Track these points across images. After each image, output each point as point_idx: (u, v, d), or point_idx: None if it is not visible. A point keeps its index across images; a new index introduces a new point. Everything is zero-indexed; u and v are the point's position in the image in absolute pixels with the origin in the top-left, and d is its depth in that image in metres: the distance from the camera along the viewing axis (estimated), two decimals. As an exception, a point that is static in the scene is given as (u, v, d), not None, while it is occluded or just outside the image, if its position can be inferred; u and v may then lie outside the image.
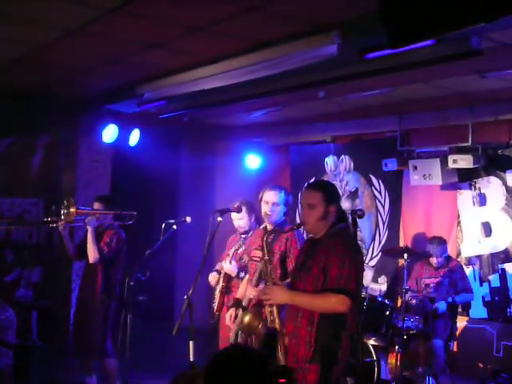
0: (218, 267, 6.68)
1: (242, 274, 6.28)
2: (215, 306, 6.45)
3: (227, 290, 6.43)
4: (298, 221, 9.93)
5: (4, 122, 9.39)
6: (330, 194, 4.62)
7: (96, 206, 7.23)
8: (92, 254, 6.99)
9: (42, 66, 7.21)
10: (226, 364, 2.74)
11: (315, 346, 4.38)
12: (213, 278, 6.70)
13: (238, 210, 6.30)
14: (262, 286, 5.12)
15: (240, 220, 6.61)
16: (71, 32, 5.87)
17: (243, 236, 6.64)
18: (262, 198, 5.99)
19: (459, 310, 7.78)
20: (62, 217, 7.03)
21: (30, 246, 10.32)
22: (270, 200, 5.91)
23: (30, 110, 8.92)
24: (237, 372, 2.70)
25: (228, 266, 6.40)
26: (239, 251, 6.54)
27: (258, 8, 5.05)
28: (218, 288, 6.47)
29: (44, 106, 8.79)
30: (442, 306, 7.27)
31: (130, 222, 7.23)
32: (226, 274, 6.45)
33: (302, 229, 5.00)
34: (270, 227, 5.91)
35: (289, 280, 4.86)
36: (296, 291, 4.56)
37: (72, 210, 7.04)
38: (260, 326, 4.68)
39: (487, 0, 3.65)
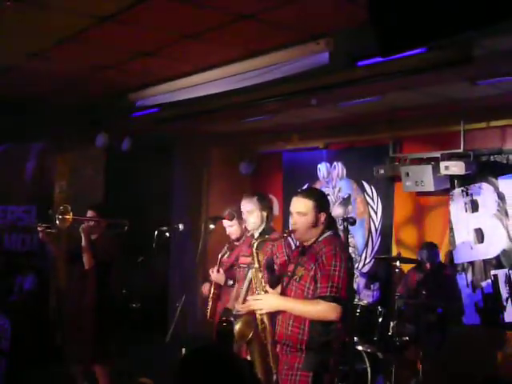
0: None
1: (230, 282, 6.29)
2: (208, 312, 6.45)
3: (218, 296, 6.44)
4: (290, 228, 9.94)
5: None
6: (320, 201, 4.63)
7: (90, 214, 7.23)
8: (87, 261, 6.99)
9: (34, 75, 7.21)
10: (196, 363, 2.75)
11: (306, 353, 4.40)
12: (204, 287, 6.70)
13: (230, 218, 6.31)
14: (249, 298, 5.13)
15: (231, 227, 6.61)
16: (65, 40, 5.87)
17: (227, 245, 6.64)
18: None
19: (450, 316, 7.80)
20: (58, 222, 7.04)
21: (23, 253, 10.31)
22: (244, 209, 5.95)
23: (23, 117, 8.91)
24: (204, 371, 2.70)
25: (216, 275, 6.40)
26: (224, 258, 6.54)
27: (250, 16, 5.07)
28: (210, 295, 6.47)
29: (37, 114, 8.79)
30: (434, 312, 7.28)
31: (123, 230, 7.24)
32: (215, 282, 6.46)
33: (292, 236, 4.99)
34: (256, 234, 5.91)
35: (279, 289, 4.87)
36: (287, 298, 4.58)
37: (68, 216, 7.05)
38: (251, 334, 4.68)
39: (478, 8, 3.66)
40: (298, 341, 4.44)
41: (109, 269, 7.15)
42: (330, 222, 4.67)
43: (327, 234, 4.59)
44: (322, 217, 4.58)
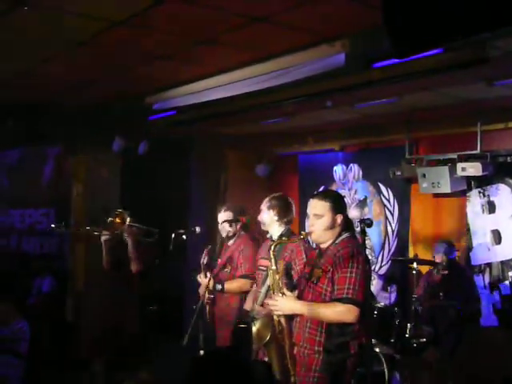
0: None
1: (218, 287, 6.30)
2: (207, 316, 6.45)
3: (214, 301, 6.44)
4: (307, 230, 9.94)
5: (15, 133, 9.46)
6: (336, 203, 4.64)
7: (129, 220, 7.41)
8: (136, 265, 7.22)
9: (52, 78, 7.26)
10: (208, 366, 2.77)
11: (324, 355, 4.40)
12: (201, 289, 6.70)
13: (247, 220, 6.32)
14: (267, 301, 5.16)
15: (224, 224, 6.62)
16: (80, 44, 5.91)
17: (206, 250, 6.65)
18: None
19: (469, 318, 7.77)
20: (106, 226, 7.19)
21: (41, 255, 10.37)
22: (261, 207, 5.95)
23: (40, 121, 8.98)
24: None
25: (204, 281, 6.40)
26: (205, 261, 6.56)
27: (265, 19, 5.08)
28: (205, 300, 6.47)
29: (54, 117, 8.85)
30: (451, 313, 7.25)
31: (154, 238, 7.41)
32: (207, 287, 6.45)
33: (309, 238, 5.00)
34: (275, 237, 5.91)
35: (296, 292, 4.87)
36: (304, 301, 4.58)
37: (119, 220, 7.21)
38: (269, 336, 4.70)
39: (493, 8, 3.66)
40: (315, 343, 4.45)
41: (147, 273, 7.30)
42: (347, 224, 4.68)
43: (344, 235, 4.60)
44: (339, 218, 4.58)
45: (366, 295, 4.46)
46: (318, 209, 4.61)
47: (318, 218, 4.60)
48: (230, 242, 6.66)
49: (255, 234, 6.71)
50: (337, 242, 4.58)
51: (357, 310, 4.32)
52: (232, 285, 6.33)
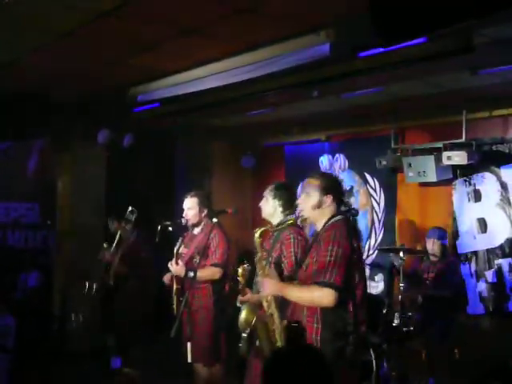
0: None
1: (190, 274, 6.25)
2: (174, 307, 6.43)
3: (181, 291, 6.40)
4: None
5: (-1, 126, 9.41)
6: (327, 183, 4.60)
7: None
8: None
9: (35, 70, 7.20)
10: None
11: (321, 342, 4.39)
12: (166, 277, 6.66)
13: (234, 212, 6.28)
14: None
15: (189, 210, 6.59)
16: (64, 36, 5.87)
17: (181, 238, 6.63)
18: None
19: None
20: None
21: (27, 250, 10.33)
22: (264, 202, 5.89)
23: (24, 114, 8.91)
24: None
25: (175, 268, 6.37)
26: (183, 249, 6.53)
27: (250, 9, 5.06)
28: (174, 291, 6.45)
29: (38, 110, 8.78)
30: (440, 302, 7.27)
31: None
32: (177, 276, 6.42)
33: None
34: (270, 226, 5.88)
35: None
36: (284, 283, 4.61)
37: None
38: (254, 319, 4.70)
39: (478, -3, 3.66)
40: (313, 330, 4.43)
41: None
42: (339, 207, 4.63)
43: (336, 218, 4.55)
44: (328, 199, 4.55)
45: (349, 279, 4.41)
46: (307, 187, 4.63)
47: (306, 196, 4.61)
48: (196, 231, 6.63)
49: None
50: (327, 225, 4.53)
51: (334, 293, 4.23)
52: (203, 273, 6.28)
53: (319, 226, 4.59)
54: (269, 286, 4.58)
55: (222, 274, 6.43)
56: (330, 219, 4.55)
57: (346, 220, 4.60)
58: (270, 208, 5.69)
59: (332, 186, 4.66)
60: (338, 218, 4.55)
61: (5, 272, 9.70)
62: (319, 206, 4.56)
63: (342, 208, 4.68)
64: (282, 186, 5.81)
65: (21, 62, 6.91)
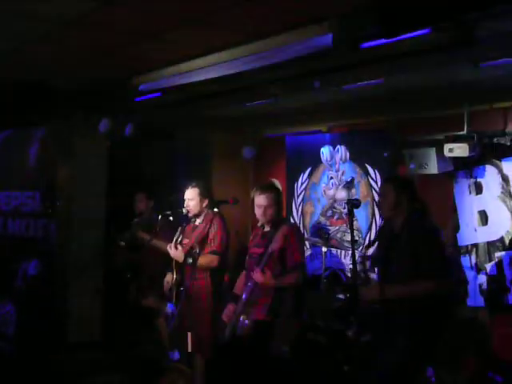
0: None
1: (189, 260, 6.27)
2: (174, 299, 6.46)
3: (182, 282, 6.43)
4: (294, 212, 9.97)
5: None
6: (399, 185, 5.20)
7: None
8: None
9: (36, 59, 7.19)
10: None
11: None
12: (167, 276, 6.69)
13: (235, 202, 6.30)
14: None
15: (190, 201, 6.61)
16: (65, 25, 5.86)
17: (180, 228, 6.65)
18: (253, 199, 6.04)
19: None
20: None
21: (27, 238, 10.34)
22: (261, 203, 5.94)
23: (25, 102, 8.91)
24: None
25: (175, 252, 6.39)
26: (184, 241, 6.54)
27: (252, 0, 5.04)
28: (172, 281, 6.47)
29: (39, 99, 8.78)
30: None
31: None
32: (177, 264, 6.45)
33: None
34: (267, 226, 5.94)
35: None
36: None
37: None
38: None
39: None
40: None
41: None
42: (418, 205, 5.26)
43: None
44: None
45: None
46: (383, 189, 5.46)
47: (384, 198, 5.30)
48: (198, 222, 6.65)
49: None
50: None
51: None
52: (201, 260, 6.30)
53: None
54: (370, 293, 5.09)
55: (220, 262, 6.45)
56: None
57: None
58: (273, 215, 5.89)
59: (404, 186, 5.27)
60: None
61: (5, 260, 9.73)
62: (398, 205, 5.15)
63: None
64: (280, 191, 6.04)
65: (22, 51, 6.89)
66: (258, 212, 6.01)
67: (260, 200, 5.99)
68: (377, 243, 5.77)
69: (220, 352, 2.66)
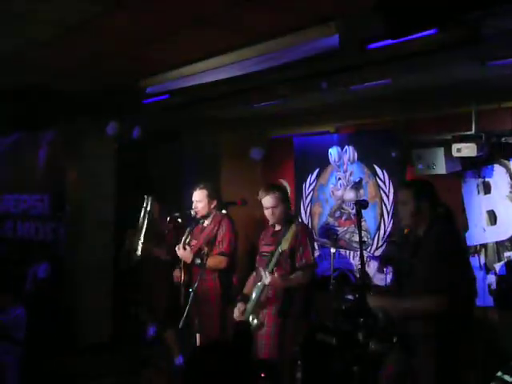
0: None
1: (197, 261, 6.28)
2: (182, 299, 6.45)
3: (190, 282, 6.42)
4: (302, 213, 9.97)
5: (8, 119, 9.43)
6: (419, 190, 4.93)
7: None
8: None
9: (44, 63, 7.21)
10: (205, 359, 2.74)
11: None
12: (176, 272, 6.69)
13: (243, 203, 6.31)
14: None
15: (199, 203, 6.62)
16: (72, 28, 5.87)
17: (188, 228, 6.65)
18: (260, 200, 6.06)
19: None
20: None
21: (37, 242, 10.36)
22: (268, 204, 5.97)
23: (33, 106, 8.94)
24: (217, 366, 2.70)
25: (183, 252, 6.40)
26: (192, 242, 6.54)
27: (258, 0, 5.04)
28: (181, 282, 6.47)
29: (47, 103, 8.81)
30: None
31: None
32: (185, 265, 6.45)
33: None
34: (277, 225, 5.96)
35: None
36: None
37: None
38: None
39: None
40: None
41: None
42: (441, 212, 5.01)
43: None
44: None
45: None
46: (402, 196, 5.07)
47: (404, 205, 5.00)
48: (206, 223, 6.66)
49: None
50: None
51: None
52: (210, 261, 6.30)
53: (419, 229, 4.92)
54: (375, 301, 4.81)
55: (228, 264, 6.45)
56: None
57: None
58: (282, 214, 5.90)
59: (424, 193, 4.98)
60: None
61: (15, 263, 9.76)
62: (417, 213, 4.88)
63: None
64: (285, 189, 6.04)
65: (32, 55, 6.92)
66: (267, 213, 6.04)
67: (266, 202, 6.01)
68: (387, 242, 5.67)
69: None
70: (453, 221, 4.97)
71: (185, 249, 6.41)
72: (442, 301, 4.40)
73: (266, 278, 5.67)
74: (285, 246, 5.61)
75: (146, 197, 8.08)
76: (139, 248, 7.60)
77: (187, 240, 6.56)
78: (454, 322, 4.50)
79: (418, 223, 4.83)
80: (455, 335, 4.52)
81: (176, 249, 6.51)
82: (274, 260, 5.69)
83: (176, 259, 6.80)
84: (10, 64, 7.31)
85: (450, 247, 4.64)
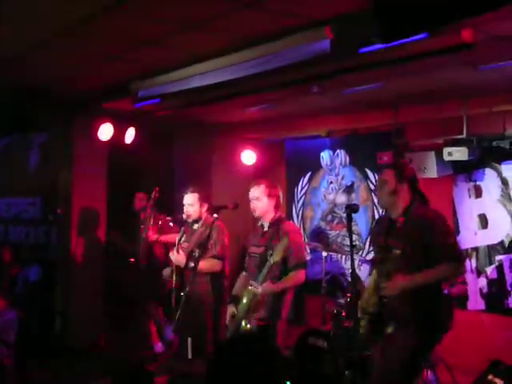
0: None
1: (191, 264, 6.27)
2: (173, 302, 6.44)
3: (183, 285, 6.41)
4: (294, 217, 9.97)
5: (0, 121, 9.41)
6: (400, 171, 5.04)
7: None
8: None
9: (36, 66, 7.21)
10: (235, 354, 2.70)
11: None
12: (165, 271, 6.68)
13: (235, 207, 6.30)
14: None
15: (190, 206, 6.61)
16: (65, 31, 5.87)
17: (183, 228, 6.66)
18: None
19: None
20: None
21: (28, 245, 10.34)
22: (252, 195, 5.97)
23: (25, 109, 8.92)
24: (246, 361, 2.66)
25: (176, 256, 6.39)
26: (183, 243, 6.54)
27: (250, 5, 5.05)
28: (173, 284, 6.46)
29: (39, 105, 8.80)
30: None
31: None
32: (177, 267, 6.44)
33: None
34: (266, 223, 5.94)
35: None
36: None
37: None
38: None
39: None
40: None
41: None
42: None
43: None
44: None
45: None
46: (383, 176, 5.16)
47: (383, 185, 5.12)
48: (196, 226, 6.65)
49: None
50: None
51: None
52: (203, 264, 6.29)
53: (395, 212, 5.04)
54: (398, 284, 4.84)
55: (221, 267, 6.45)
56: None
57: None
58: (265, 206, 5.87)
59: (405, 174, 5.09)
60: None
61: (6, 267, 9.73)
62: (394, 193, 5.00)
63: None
64: (273, 185, 6.01)
65: (23, 58, 6.91)
66: (251, 206, 6.06)
67: (250, 193, 6.05)
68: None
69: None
70: (428, 205, 5.12)
71: (178, 252, 6.40)
72: (461, 267, 4.98)
73: (258, 289, 5.66)
74: (276, 257, 5.60)
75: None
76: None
77: (182, 239, 6.55)
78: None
79: (396, 204, 4.89)
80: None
81: (170, 254, 6.51)
82: (264, 271, 5.67)
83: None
84: (2, 66, 7.30)
85: (442, 220, 4.95)
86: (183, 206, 6.75)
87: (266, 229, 6.07)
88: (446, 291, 7.27)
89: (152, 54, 6.60)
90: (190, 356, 6.35)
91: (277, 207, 6.08)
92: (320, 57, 5.58)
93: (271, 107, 8.60)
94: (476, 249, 7.99)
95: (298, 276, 5.88)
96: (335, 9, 5.09)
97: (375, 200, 9.07)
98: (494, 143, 7.76)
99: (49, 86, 8.11)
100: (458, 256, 4.85)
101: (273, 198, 6.01)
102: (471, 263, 8.00)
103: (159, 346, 8.10)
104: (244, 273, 6.21)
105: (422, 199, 5.11)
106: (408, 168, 5.15)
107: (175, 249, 6.45)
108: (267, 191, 5.99)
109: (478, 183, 7.95)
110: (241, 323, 5.78)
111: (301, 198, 10.22)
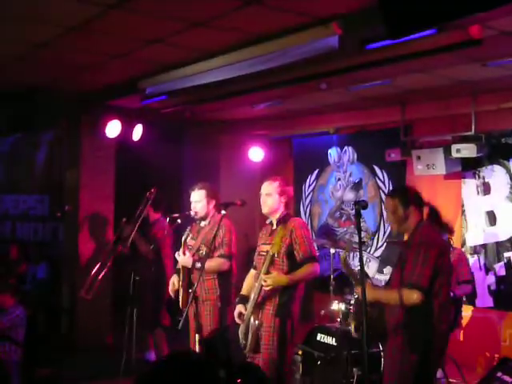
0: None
1: (198, 265, 6.24)
2: (180, 302, 6.40)
3: (190, 284, 6.37)
4: (302, 214, 9.96)
5: (8, 119, 9.42)
6: (405, 196, 4.98)
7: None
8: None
9: (44, 64, 7.21)
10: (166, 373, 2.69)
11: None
12: (173, 278, 6.65)
13: (243, 204, 6.27)
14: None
15: (198, 203, 6.57)
16: (72, 29, 5.87)
17: (189, 227, 6.64)
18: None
19: (464, 299, 7.77)
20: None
21: (36, 242, 10.35)
22: (263, 191, 5.94)
23: (33, 107, 8.93)
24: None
25: (183, 258, 6.37)
26: (190, 241, 6.51)
27: (258, 1, 5.04)
28: (180, 283, 6.43)
29: (47, 103, 8.80)
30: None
31: None
32: (183, 268, 6.41)
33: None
34: (274, 220, 5.92)
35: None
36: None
37: None
38: None
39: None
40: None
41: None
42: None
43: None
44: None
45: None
46: (387, 206, 5.07)
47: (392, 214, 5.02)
48: (204, 223, 6.62)
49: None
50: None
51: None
52: (210, 264, 6.26)
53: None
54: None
55: (229, 266, 6.42)
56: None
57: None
58: (275, 204, 5.84)
59: (409, 199, 5.00)
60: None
61: (15, 264, 9.75)
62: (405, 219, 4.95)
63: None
64: (284, 182, 5.98)
65: (29, 56, 6.92)
66: (261, 201, 6.00)
67: (263, 188, 5.99)
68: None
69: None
70: (437, 221, 5.06)
71: (184, 254, 6.38)
72: (418, 296, 4.54)
73: (261, 280, 5.64)
74: (274, 249, 5.58)
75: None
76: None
77: (188, 238, 6.52)
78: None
79: (406, 228, 4.91)
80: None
81: (176, 255, 6.49)
82: (266, 263, 5.65)
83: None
84: (9, 65, 7.32)
85: (428, 248, 4.71)
86: (190, 203, 6.72)
87: (274, 227, 6.05)
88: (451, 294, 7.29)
89: (159, 52, 6.59)
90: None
91: (287, 207, 6.04)
92: (328, 53, 5.57)
93: (279, 104, 8.59)
94: (484, 246, 7.97)
95: (310, 269, 5.80)
96: (343, 5, 5.08)
97: (383, 197, 9.06)
98: (503, 140, 7.75)
99: (55, 84, 8.12)
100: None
101: (284, 197, 5.96)
102: (479, 260, 7.98)
103: (152, 355, 8.05)
104: (253, 270, 6.18)
105: (431, 215, 5.11)
106: (411, 191, 5.12)
107: (181, 250, 6.42)
108: (280, 189, 5.94)
109: (486, 180, 7.93)
110: (249, 320, 5.76)
111: (308, 195, 10.21)
